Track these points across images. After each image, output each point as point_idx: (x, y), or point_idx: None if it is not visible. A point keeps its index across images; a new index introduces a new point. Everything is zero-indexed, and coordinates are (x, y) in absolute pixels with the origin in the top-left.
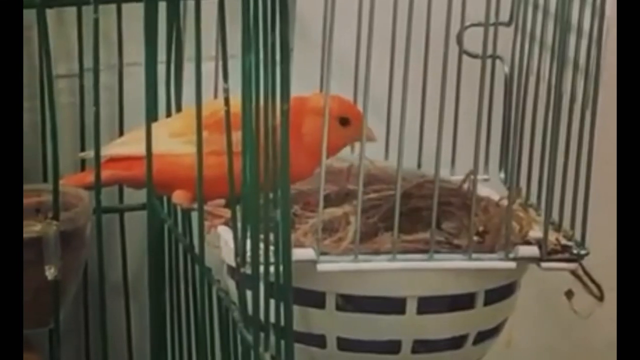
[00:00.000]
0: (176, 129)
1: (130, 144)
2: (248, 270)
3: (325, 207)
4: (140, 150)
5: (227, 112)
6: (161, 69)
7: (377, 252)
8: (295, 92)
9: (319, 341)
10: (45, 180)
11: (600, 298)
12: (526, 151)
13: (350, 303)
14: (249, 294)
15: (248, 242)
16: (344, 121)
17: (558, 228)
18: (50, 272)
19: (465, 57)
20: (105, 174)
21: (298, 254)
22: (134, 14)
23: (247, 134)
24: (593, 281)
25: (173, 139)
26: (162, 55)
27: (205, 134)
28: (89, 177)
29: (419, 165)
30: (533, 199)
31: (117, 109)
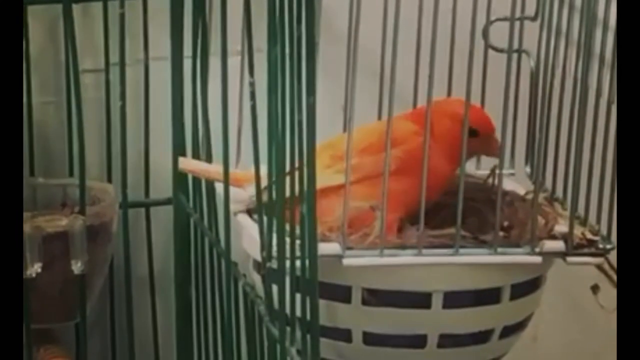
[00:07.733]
0: (326, 160)
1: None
2: (274, 264)
3: None
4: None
5: (253, 107)
6: (187, 63)
7: (402, 247)
8: (320, 85)
9: (344, 335)
10: (71, 174)
11: None
12: (552, 145)
13: (376, 297)
14: (274, 288)
15: (274, 236)
16: (472, 132)
17: (584, 222)
18: (76, 266)
19: (491, 52)
20: None
21: (324, 248)
22: (160, 8)
23: (272, 127)
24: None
25: (325, 170)
26: (188, 50)
27: (354, 160)
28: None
29: None
30: (559, 193)
31: (143, 103)
